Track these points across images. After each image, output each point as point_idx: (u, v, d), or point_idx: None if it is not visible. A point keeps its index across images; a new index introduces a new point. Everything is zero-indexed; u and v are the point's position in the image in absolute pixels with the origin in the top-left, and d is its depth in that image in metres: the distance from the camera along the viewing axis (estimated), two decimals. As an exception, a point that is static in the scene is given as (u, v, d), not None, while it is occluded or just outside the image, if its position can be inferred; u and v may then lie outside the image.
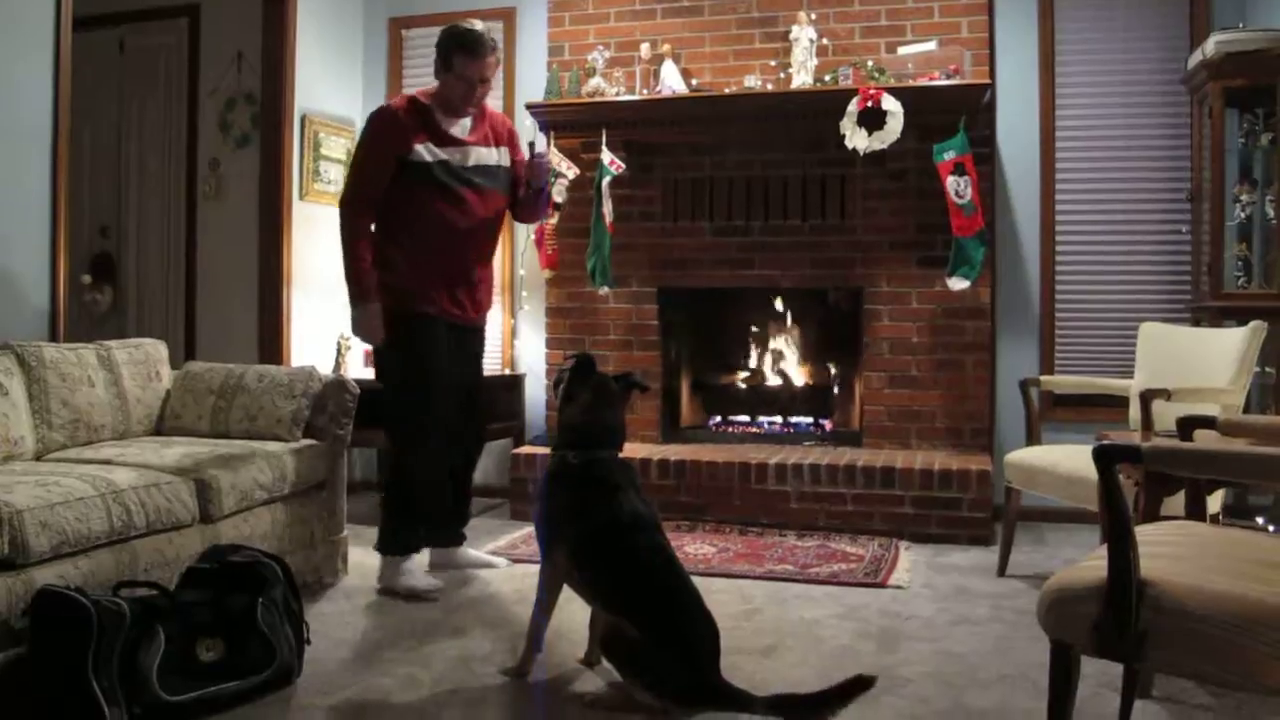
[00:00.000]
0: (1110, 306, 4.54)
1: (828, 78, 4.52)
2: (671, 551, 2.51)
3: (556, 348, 4.93)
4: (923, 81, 4.33)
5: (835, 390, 4.96)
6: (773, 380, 5.05)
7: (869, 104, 4.25)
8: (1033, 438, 3.73)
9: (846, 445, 4.69)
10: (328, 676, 2.58)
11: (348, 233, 3.38)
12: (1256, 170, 4.05)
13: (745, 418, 5.05)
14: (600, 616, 2.55)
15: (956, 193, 4.25)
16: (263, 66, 4.91)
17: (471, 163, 3.45)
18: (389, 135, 3.37)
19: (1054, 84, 4.57)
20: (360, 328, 3.41)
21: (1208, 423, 2.32)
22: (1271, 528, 3.68)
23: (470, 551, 3.69)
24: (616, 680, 2.44)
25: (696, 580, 2.51)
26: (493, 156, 3.52)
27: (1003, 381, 4.57)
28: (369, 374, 4.08)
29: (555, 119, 4.79)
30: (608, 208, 4.66)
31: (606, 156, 4.63)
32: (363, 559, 3.58)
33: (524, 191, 3.61)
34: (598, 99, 4.72)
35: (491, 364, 5.14)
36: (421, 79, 4.76)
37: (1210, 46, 3.89)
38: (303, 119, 4.94)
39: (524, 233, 5.08)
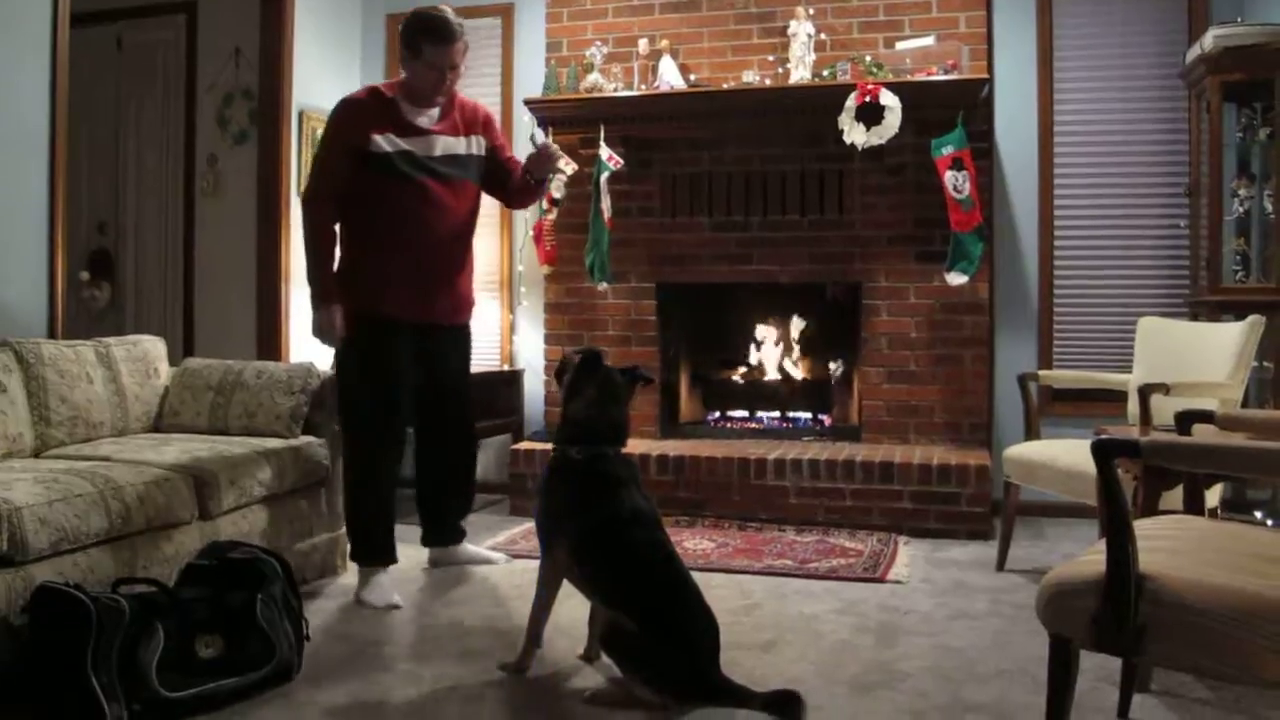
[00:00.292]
0: (1108, 301, 4.54)
1: (826, 73, 4.51)
2: (671, 547, 2.51)
3: (555, 343, 4.93)
4: (921, 76, 4.32)
5: (834, 385, 4.96)
6: (771, 375, 5.05)
7: (867, 99, 4.25)
8: (1031, 432, 3.73)
9: (845, 440, 4.69)
10: (327, 673, 2.58)
11: (308, 230, 3.26)
12: (1254, 165, 4.04)
13: (744, 413, 5.05)
14: (600, 612, 2.56)
15: (955, 188, 4.25)
16: (260, 62, 4.90)
17: (438, 152, 3.30)
18: (346, 127, 3.24)
19: (1052, 79, 4.57)
20: (319, 329, 3.25)
21: (1206, 417, 2.33)
22: (1270, 522, 3.69)
23: (469, 548, 3.67)
24: (616, 676, 2.45)
25: (696, 575, 2.51)
26: (462, 145, 3.37)
27: (1001, 376, 4.57)
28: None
29: (553, 115, 4.78)
30: (606, 203, 4.66)
31: (605, 152, 4.63)
32: (362, 555, 3.58)
33: (526, 180, 3.48)
34: (596, 95, 4.71)
35: (490, 359, 5.15)
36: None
37: (1208, 41, 3.88)
38: (300, 115, 4.92)
39: (523, 228, 5.07)
